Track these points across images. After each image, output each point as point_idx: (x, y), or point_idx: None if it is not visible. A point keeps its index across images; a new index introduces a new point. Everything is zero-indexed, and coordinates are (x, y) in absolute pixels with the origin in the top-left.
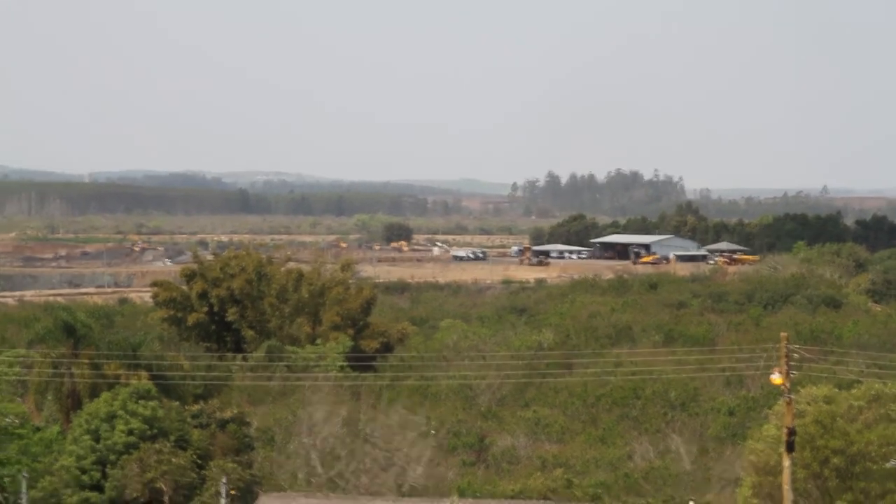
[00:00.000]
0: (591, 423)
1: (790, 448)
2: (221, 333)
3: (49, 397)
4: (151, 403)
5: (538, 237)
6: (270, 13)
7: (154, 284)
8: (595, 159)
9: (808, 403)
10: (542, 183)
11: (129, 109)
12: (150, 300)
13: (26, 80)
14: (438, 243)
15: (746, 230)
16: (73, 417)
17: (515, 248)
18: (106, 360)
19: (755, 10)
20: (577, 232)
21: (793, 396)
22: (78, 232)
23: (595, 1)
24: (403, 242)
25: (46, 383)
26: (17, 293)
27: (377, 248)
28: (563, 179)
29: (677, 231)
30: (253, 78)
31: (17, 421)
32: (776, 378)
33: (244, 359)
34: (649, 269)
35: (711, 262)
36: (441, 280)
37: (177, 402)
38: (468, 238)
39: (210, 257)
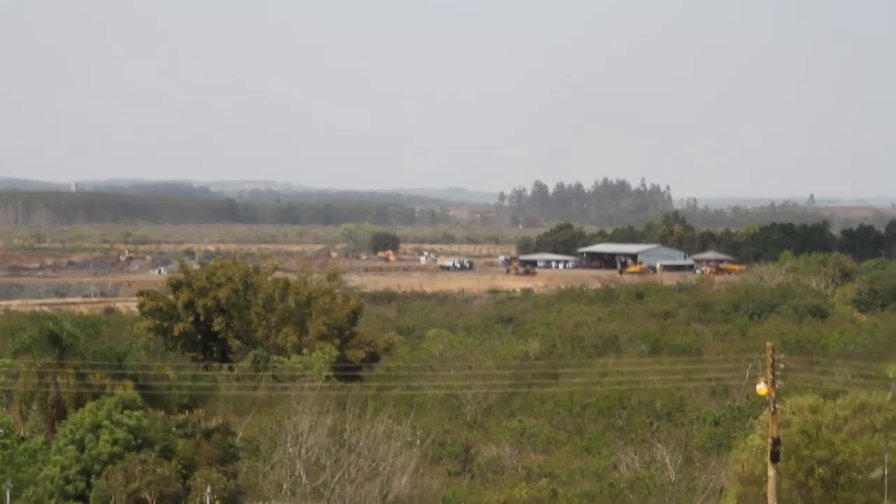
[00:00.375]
0: (576, 433)
1: (775, 458)
2: (207, 343)
3: (34, 407)
4: (136, 413)
5: (525, 246)
6: (261, 22)
7: (140, 294)
8: (582, 169)
9: (794, 413)
10: (529, 192)
11: (117, 118)
12: (137, 310)
13: (12, 88)
14: (425, 253)
15: (733, 240)
16: (58, 427)
17: (502, 258)
18: (91, 369)
19: (744, 22)
20: (564, 241)
21: (778, 406)
22: (64, 241)
23: (584, 13)
24: (390, 252)
25: (31, 393)
26: (3, 303)
27: (364, 257)
28: (551, 189)
29: (664, 240)
30: (242, 87)
31: (1, 431)
32: (762, 388)
33: (230, 368)
34: (636, 279)
35: (698, 271)
36: (428, 290)
37: (162, 412)
38: (455, 247)
39: (196, 267)
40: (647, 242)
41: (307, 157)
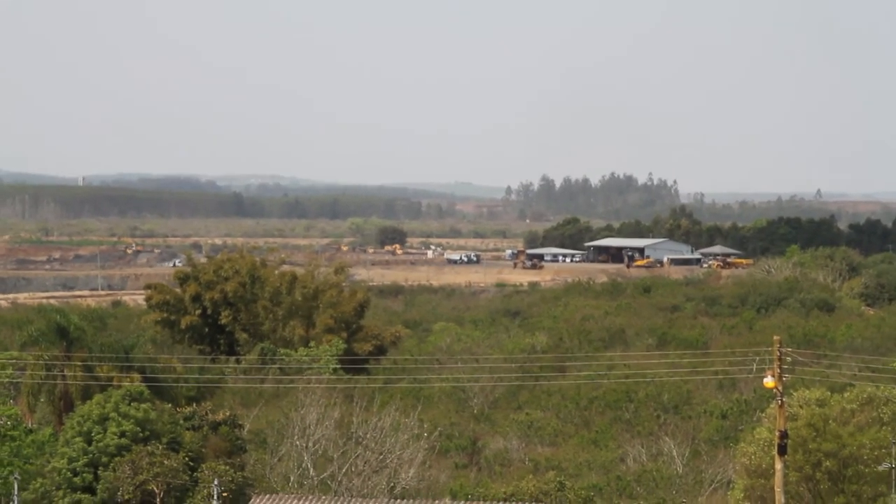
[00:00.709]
0: (583, 426)
1: (782, 451)
2: (215, 336)
3: (41, 399)
4: (144, 406)
5: (532, 241)
6: (267, 16)
7: (147, 287)
8: (589, 163)
9: (801, 406)
10: (536, 187)
11: (124, 112)
12: (144, 303)
13: (21, 82)
14: (432, 247)
15: (740, 234)
16: (66, 419)
17: (509, 252)
18: (99, 362)
19: (751, 16)
20: (571, 235)
21: (785, 400)
22: (72, 235)
23: (590, 6)
24: (397, 246)
25: (39, 385)
26: (11, 295)
27: (371, 251)
28: (558, 183)
29: (671, 235)
30: (248, 81)
31: (9, 423)
32: (769, 381)
33: (237, 361)
34: (643, 273)
35: (705, 265)
36: (435, 283)
37: (169, 405)
38: (462, 241)
39: (204, 260)
40: (654, 237)
41: (314, 152)
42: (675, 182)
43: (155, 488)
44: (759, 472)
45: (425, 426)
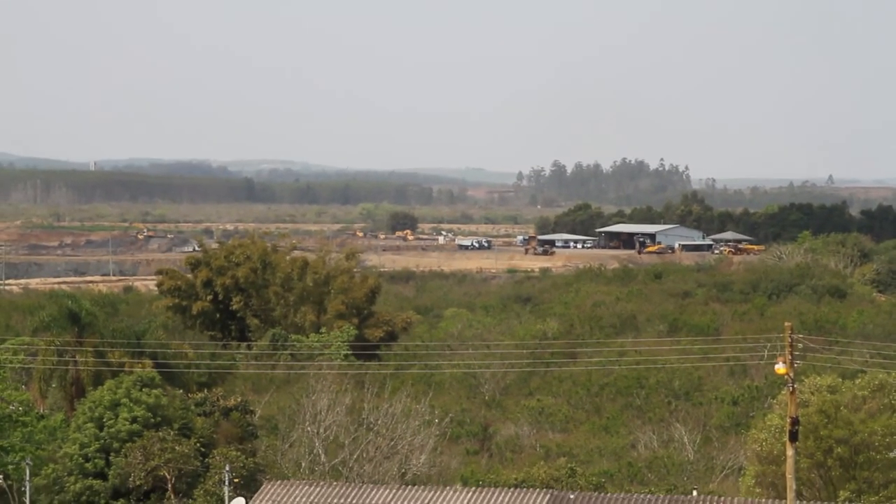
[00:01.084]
0: (594, 413)
1: (793, 437)
2: (226, 322)
3: (53, 385)
4: (155, 391)
5: (543, 226)
6: (276, 3)
7: (159, 273)
8: (600, 149)
9: (812, 393)
10: (547, 172)
11: (135, 97)
12: (155, 288)
13: (32, 68)
14: (444, 232)
15: (752, 220)
16: (77, 405)
17: (521, 238)
18: (110, 348)
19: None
20: (583, 221)
21: (796, 386)
22: (83, 220)
23: None
24: (408, 231)
25: (51, 371)
26: (23, 281)
27: (382, 237)
28: (569, 169)
29: (682, 221)
30: (259, 67)
31: (21, 409)
32: (780, 368)
33: (248, 347)
34: (654, 259)
35: (716, 251)
36: (446, 269)
37: (181, 391)
38: (473, 227)
39: (215, 246)
40: (665, 223)
41: (325, 137)
42: (686, 168)
43: (166, 474)
44: (770, 459)
45: (436, 412)
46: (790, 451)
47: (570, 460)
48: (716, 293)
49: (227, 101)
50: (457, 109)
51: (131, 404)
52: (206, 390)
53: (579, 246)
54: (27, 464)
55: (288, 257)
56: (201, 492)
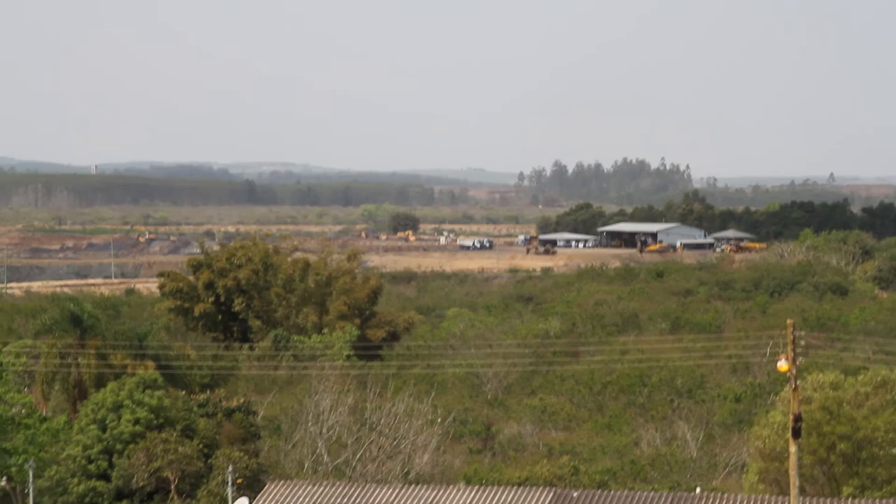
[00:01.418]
0: (597, 411)
1: (796, 434)
2: (228, 323)
3: (56, 387)
4: (158, 393)
5: (545, 226)
6: (276, 6)
7: (161, 275)
8: (601, 148)
9: (815, 390)
10: (548, 172)
11: (136, 101)
12: (157, 291)
13: (32, 72)
14: (445, 233)
15: (753, 218)
16: (80, 407)
17: (522, 238)
18: (112, 350)
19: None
20: (584, 221)
21: (799, 383)
22: (85, 223)
23: None
24: (410, 232)
25: (53, 373)
26: (25, 284)
27: (383, 237)
28: (570, 169)
29: (684, 219)
30: (260, 69)
31: (24, 411)
32: (782, 365)
33: (251, 348)
34: (656, 258)
35: (718, 250)
36: (448, 269)
37: (183, 392)
38: (475, 227)
39: (216, 248)
40: (666, 221)
41: (327, 139)
42: (687, 167)
43: (169, 475)
44: (773, 456)
45: (439, 412)
46: (793, 448)
47: (573, 458)
48: (718, 291)
49: (228, 103)
50: (457, 110)
51: (134, 406)
52: (208, 391)
53: (581, 245)
54: (30, 466)
55: (290, 259)
56: (205, 493)
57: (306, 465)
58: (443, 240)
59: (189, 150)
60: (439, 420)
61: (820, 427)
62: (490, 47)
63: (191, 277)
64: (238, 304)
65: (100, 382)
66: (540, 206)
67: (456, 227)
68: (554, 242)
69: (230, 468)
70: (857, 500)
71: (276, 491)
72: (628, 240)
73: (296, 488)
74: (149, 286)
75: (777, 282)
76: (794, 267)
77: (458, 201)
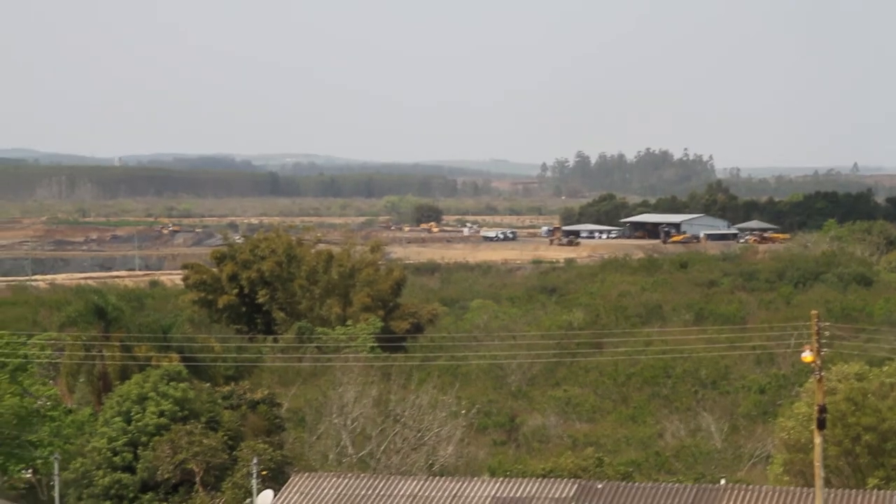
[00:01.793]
0: (621, 402)
1: (821, 425)
2: (252, 315)
3: (81, 380)
4: (182, 385)
5: (568, 217)
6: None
7: (185, 267)
8: (624, 139)
9: (840, 381)
10: (571, 163)
11: (159, 94)
12: (181, 283)
13: (56, 66)
14: (468, 224)
15: (777, 208)
16: (105, 400)
17: (545, 229)
18: (137, 342)
19: None
20: (607, 212)
21: (824, 374)
22: (108, 215)
23: None
24: (433, 224)
25: (78, 366)
26: (49, 276)
27: (407, 229)
28: (593, 160)
29: (707, 210)
30: (282, 62)
31: (49, 403)
32: (807, 356)
33: (275, 340)
34: (679, 248)
35: (742, 240)
36: (471, 261)
37: (208, 384)
38: (498, 219)
39: (240, 240)
40: (690, 212)
41: (349, 131)
42: (710, 157)
43: (194, 467)
44: (797, 447)
45: (463, 403)
46: (818, 439)
47: (597, 450)
48: (742, 282)
49: (251, 96)
50: (481, 102)
51: (159, 398)
52: (232, 383)
53: (604, 236)
54: (56, 458)
55: (313, 250)
56: (229, 485)
57: (331, 457)
58: (466, 231)
59: (212, 142)
60: (463, 412)
61: (845, 418)
62: (513, 37)
63: (215, 269)
64: (262, 296)
65: (124, 375)
66: (563, 197)
67: (479, 218)
68: (577, 233)
69: (255, 460)
70: (882, 492)
71: (300, 483)
72: (652, 231)
73: (320, 480)
74: (173, 278)
75: (801, 272)
76: (819, 257)
77: (481, 192)
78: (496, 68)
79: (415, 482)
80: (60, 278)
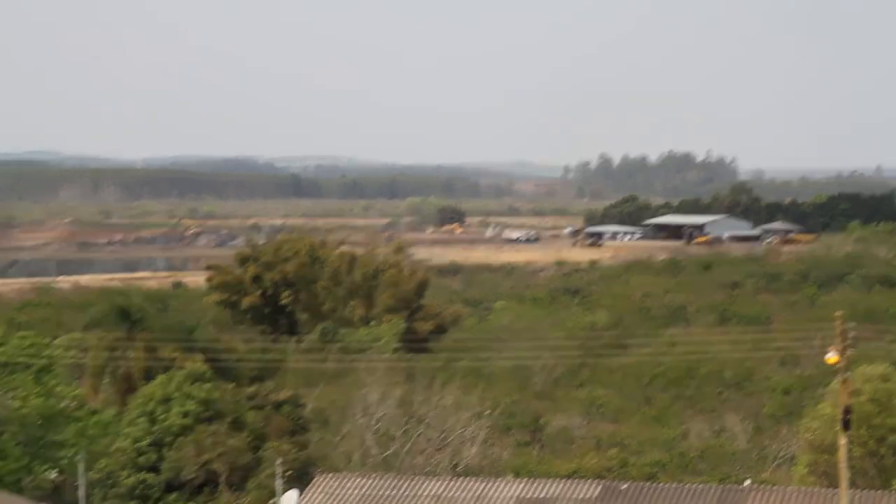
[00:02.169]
0: (645, 403)
1: (846, 426)
2: (275, 317)
3: (105, 380)
4: (207, 386)
5: (591, 219)
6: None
7: (208, 268)
8: (647, 141)
9: (864, 382)
10: (594, 165)
11: (182, 95)
12: (205, 284)
13: (80, 67)
14: (491, 225)
15: (800, 210)
16: (129, 400)
17: (569, 230)
18: (161, 343)
19: None
20: (631, 213)
21: (848, 375)
22: (132, 217)
23: None
24: (456, 225)
25: (103, 367)
26: (73, 278)
27: (430, 230)
28: (616, 161)
29: (731, 211)
30: (305, 68)
31: (74, 404)
32: (831, 357)
33: (298, 341)
34: (703, 250)
35: (766, 242)
36: (494, 262)
37: (232, 385)
38: (521, 220)
39: (263, 241)
40: (713, 213)
41: (372, 132)
42: (733, 159)
43: (219, 468)
44: (822, 448)
45: (487, 404)
46: (843, 440)
47: (621, 451)
48: (765, 283)
49: (273, 99)
50: (503, 103)
51: (183, 399)
52: (257, 384)
53: (627, 238)
54: (81, 459)
55: (336, 252)
56: (254, 485)
57: (354, 458)
58: (489, 232)
59: (235, 145)
60: (487, 412)
61: (870, 419)
62: (535, 38)
63: (238, 271)
64: (285, 298)
65: (148, 375)
66: (586, 199)
67: (502, 219)
68: (600, 235)
69: (279, 461)
70: None
71: (324, 483)
72: (675, 232)
73: (344, 481)
74: (196, 280)
75: (825, 274)
76: (843, 259)
77: (504, 194)
78: (520, 71)
79: (439, 483)
80: (85, 280)
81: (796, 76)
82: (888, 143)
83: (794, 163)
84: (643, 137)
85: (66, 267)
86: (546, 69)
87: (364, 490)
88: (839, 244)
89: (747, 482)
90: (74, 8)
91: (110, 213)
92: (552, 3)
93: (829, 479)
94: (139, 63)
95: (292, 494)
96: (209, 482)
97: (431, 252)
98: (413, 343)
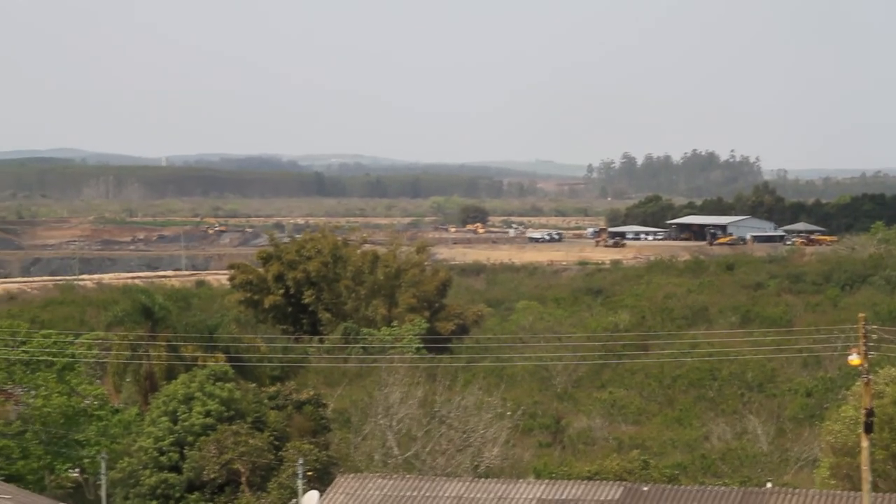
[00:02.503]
0: (667, 405)
1: (868, 429)
2: (298, 316)
3: (127, 379)
4: (228, 385)
5: (614, 218)
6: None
7: (231, 267)
8: (670, 140)
9: (887, 384)
10: (617, 164)
11: (205, 93)
12: (227, 283)
13: (104, 66)
14: (514, 225)
15: (824, 210)
16: (151, 399)
17: (591, 230)
18: (183, 342)
19: None
20: (653, 213)
21: (871, 377)
22: (155, 215)
23: None
24: (479, 224)
25: (125, 365)
26: (96, 276)
27: (453, 230)
28: (639, 161)
29: (754, 212)
30: (329, 70)
31: (96, 403)
32: (854, 359)
33: (320, 341)
34: (726, 250)
35: (789, 242)
36: (516, 262)
37: (254, 384)
38: (544, 220)
39: (286, 240)
40: (736, 214)
41: (395, 131)
42: (757, 159)
43: (240, 467)
44: (845, 451)
45: (508, 405)
46: (865, 443)
47: (643, 452)
48: (788, 284)
49: (298, 96)
50: (527, 103)
51: (205, 398)
52: (278, 384)
53: (650, 238)
54: (103, 457)
55: (359, 251)
56: (275, 485)
57: (376, 458)
58: (512, 232)
59: (258, 143)
60: (509, 413)
61: (892, 422)
62: (556, 37)
63: (261, 269)
64: (308, 297)
65: (171, 374)
66: (609, 199)
67: (525, 219)
68: (623, 235)
69: (300, 461)
70: None
71: (346, 484)
72: (698, 232)
73: (366, 481)
74: (219, 278)
75: (848, 275)
76: (866, 260)
77: (527, 193)
78: (542, 70)
79: (460, 483)
80: (107, 278)
81: (822, 76)
82: None
83: (818, 163)
84: (667, 137)
85: (89, 265)
86: (570, 68)
87: (385, 491)
88: (863, 245)
89: (769, 485)
90: (102, 9)
91: (133, 211)
92: (576, 2)
93: (852, 483)
94: (166, 64)
95: (313, 495)
96: (230, 482)
97: (454, 251)
98: (435, 343)
